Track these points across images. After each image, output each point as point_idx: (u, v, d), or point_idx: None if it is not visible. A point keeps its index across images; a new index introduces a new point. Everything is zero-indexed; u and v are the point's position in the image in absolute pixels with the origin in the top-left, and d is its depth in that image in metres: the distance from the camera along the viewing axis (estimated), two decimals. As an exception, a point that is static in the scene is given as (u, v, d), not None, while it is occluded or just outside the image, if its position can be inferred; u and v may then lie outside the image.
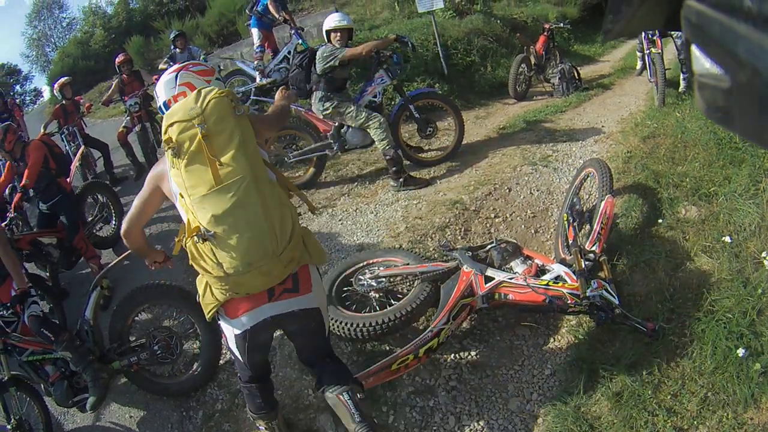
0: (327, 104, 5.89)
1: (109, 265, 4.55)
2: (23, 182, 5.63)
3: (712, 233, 3.88)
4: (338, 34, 5.75)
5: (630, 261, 3.95)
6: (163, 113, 2.51)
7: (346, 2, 15.04)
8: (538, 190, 5.36)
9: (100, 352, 4.12)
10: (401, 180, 5.81)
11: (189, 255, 2.35)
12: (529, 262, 3.77)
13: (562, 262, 3.89)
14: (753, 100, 0.47)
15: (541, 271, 3.68)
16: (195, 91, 2.38)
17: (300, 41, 8.84)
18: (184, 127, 2.27)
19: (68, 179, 6.30)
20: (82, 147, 8.12)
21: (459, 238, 4.83)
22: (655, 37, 7.41)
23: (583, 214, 4.21)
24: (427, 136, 6.42)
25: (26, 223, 6.43)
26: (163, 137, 2.34)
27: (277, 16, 8.93)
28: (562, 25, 11.16)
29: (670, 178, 4.65)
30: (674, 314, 3.47)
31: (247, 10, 10.36)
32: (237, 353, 2.65)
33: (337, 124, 6.06)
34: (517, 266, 3.73)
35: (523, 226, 4.92)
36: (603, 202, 3.92)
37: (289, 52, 9.09)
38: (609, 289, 3.34)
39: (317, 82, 5.88)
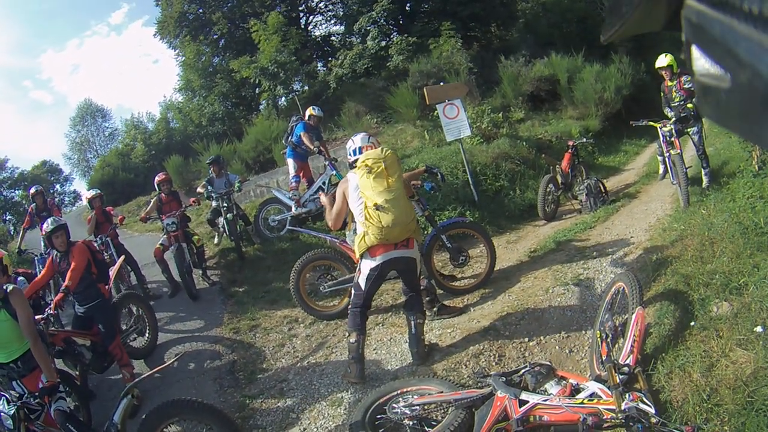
0: None
1: (143, 376, 4.94)
2: (66, 283, 5.96)
3: (746, 325, 3.99)
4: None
5: (665, 368, 4.06)
6: (355, 154, 5.32)
7: (377, 132, 15.95)
8: (571, 310, 5.57)
9: None
10: (435, 309, 6.08)
11: (365, 217, 4.74)
12: (564, 382, 3.93)
13: (597, 378, 4.03)
14: (754, 100, 0.48)
15: (575, 390, 3.83)
16: (380, 148, 5.07)
17: (334, 172, 9.49)
18: (375, 160, 4.80)
19: (107, 286, 6.62)
20: (123, 255, 8.56)
21: (493, 363, 5.02)
22: (672, 139, 7.87)
23: (616, 329, 4.39)
24: (459, 265, 6.77)
25: (58, 321, 6.56)
26: (360, 164, 4.88)
27: (311, 147, 9.46)
28: (585, 140, 11.80)
29: (700, 278, 4.82)
30: (712, 413, 3.53)
31: (283, 141, 11.09)
32: (364, 284, 5.02)
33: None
34: (552, 387, 3.88)
35: (557, 347, 5.09)
36: (634, 315, 4.11)
37: (324, 183, 9.66)
38: (645, 399, 3.45)
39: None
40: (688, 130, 8.26)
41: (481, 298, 6.50)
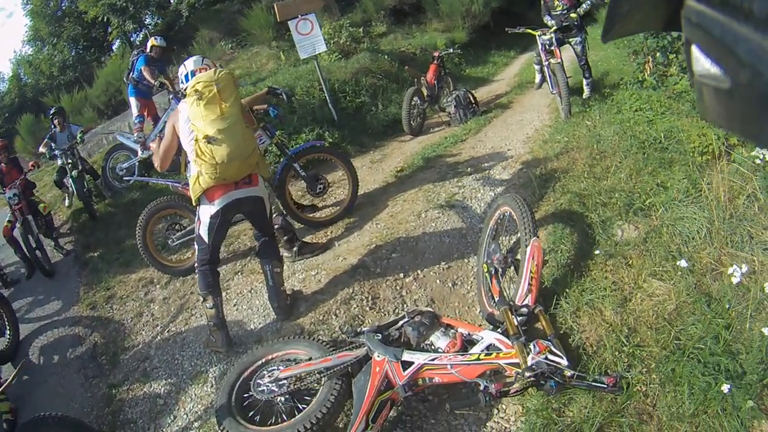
0: None
1: (5, 384, 4.24)
2: None
3: (658, 251, 3.47)
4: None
5: (570, 305, 3.42)
6: (187, 80, 4.33)
7: (232, 58, 15.54)
8: (449, 236, 4.83)
9: None
10: (295, 249, 5.23)
11: (196, 153, 3.87)
12: (452, 332, 3.23)
13: (491, 318, 3.44)
14: (753, 100, 0.48)
15: (468, 342, 3.14)
16: (213, 69, 4.18)
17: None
18: (206, 84, 3.91)
19: None
20: None
21: (367, 309, 4.21)
22: (553, 48, 7.32)
23: (506, 260, 3.66)
24: (318, 194, 5.87)
25: None
26: (189, 90, 3.97)
27: (152, 81, 8.52)
28: (451, 51, 11.05)
29: (597, 197, 4.25)
30: (635, 358, 2.96)
31: (124, 78, 9.87)
32: (206, 236, 4.18)
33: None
34: (439, 340, 3.18)
35: (438, 281, 4.34)
36: (529, 248, 3.35)
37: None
38: (553, 348, 2.78)
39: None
40: (570, 39, 7.83)
41: (346, 229, 5.59)
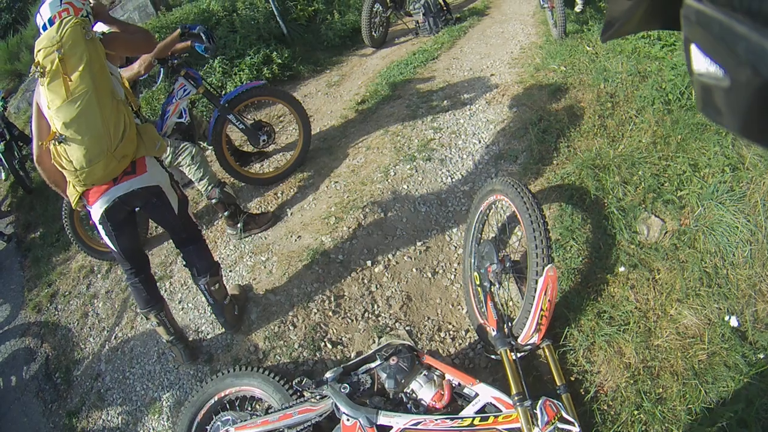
0: None
1: None
2: None
3: (691, 267, 2.81)
4: None
5: (584, 338, 2.76)
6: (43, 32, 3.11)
7: None
8: (424, 204, 4.03)
9: None
10: (240, 225, 4.40)
11: (52, 155, 2.97)
12: (437, 377, 2.57)
13: (481, 332, 2.94)
14: (753, 99, 0.48)
15: (458, 395, 2.51)
16: (57, 21, 2.98)
17: None
18: (47, 52, 2.89)
19: None
20: None
21: (330, 314, 3.47)
22: None
23: (503, 264, 2.86)
24: (263, 147, 4.96)
25: None
26: (34, 62, 2.97)
27: None
28: None
29: (615, 172, 3.45)
30: (655, 420, 2.38)
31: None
32: (110, 243, 3.31)
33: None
34: (421, 389, 2.53)
35: (414, 270, 3.61)
36: (541, 278, 2.50)
37: None
38: (563, 411, 2.20)
39: None
40: None
41: (299, 190, 4.71)
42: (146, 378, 3.81)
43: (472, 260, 3.14)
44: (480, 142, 4.42)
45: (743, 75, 0.47)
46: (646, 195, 3.22)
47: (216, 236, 4.64)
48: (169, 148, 4.31)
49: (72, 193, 3.15)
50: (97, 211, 3.14)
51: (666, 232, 3.02)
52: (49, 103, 2.87)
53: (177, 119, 4.53)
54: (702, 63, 0.54)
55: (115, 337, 4.33)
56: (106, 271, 5.05)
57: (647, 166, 3.37)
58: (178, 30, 4.29)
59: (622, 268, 2.94)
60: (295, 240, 4.09)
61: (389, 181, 4.25)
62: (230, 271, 4.16)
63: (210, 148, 4.71)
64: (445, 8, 7.73)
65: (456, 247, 3.65)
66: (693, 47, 0.55)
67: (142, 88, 6.69)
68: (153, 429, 3.50)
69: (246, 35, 7.27)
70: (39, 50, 2.91)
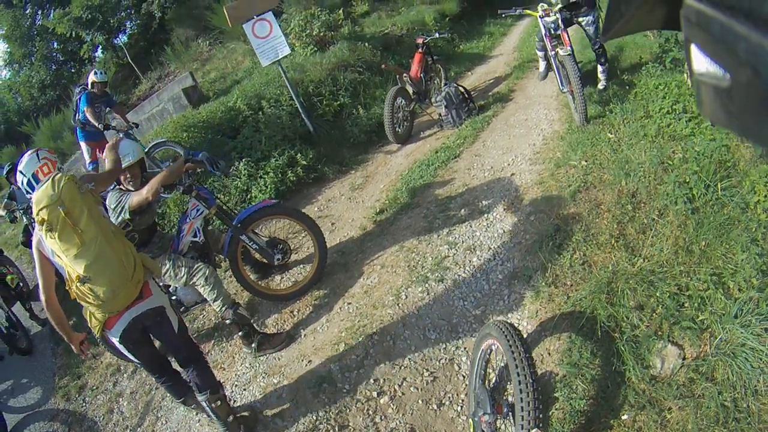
0: None
1: None
2: None
3: (708, 405, 2.57)
4: (127, 174, 4.36)
5: None
6: (32, 188, 3.52)
7: (208, 58, 14.90)
8: (434, 330, 3.88)
9: None
10: (254, 345, 4.43)
11: (76, 295, 3.38)
12: None
13: None
14: (753, 100, 0.47)
15: None
16: (50, 181, 3.36)
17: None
18: (51, 209, 3.27)
19: None
20: None
21: None
22: (559, 32, 5.98)
23: (497, 408, 2.69)
24: (280, 265, 5.05)
25: None
26: (37, 218, 3.30)
27: (97, 125, 7.71)
28: (438, 35, 9.49)
29: (630, 297, 3.26)
30: None
31: (71, 120, 8.82)
32: (132, 358, 3.75)
33: (161, 284, 4.52)
34: None
35: (420, 402, 3.45)
36: None
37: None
38: None
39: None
40: (581, 20, 6.43)
41: (314, 309, 4.68)
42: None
43: (471, 403, 2.95)
44: (495, 258, 4.27)
45: (743, 75, 0.48)
46: (663, 322, 2.99)
47: (234, 351, 4.70)
48: (183, 268, 4.47)
49: (95, 325, 3.52)
50: (116, 333, 3.53)
51: (682, 365, 2.77)
52: (65, 252, 3.27)
53: (192, 238, 4.63)
54: (702, 63, 0.54)
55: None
56: (132, 372, 5.22)
57: (666, 284, 3.15)
58: (182, 158, 4.50)
59: (625, 416, 2.71)
60: (306, 365, 4.08)
61: (400, 305, 4.15)
62: (244, 390, 4.22)
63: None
64: (467, 97, 7.73)
65: (464, 377, 3.46)
66: (693, 47, 0.56)
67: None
68: None
69: (271, 135, 7.43)
70: (41, 208, 3.24)
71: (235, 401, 4.16)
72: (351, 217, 5.90)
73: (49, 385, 5.82)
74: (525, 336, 3.36)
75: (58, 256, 3.35)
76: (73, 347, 3.75)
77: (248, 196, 6.61)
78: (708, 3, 0.50)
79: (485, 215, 4.87)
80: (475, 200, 5.19)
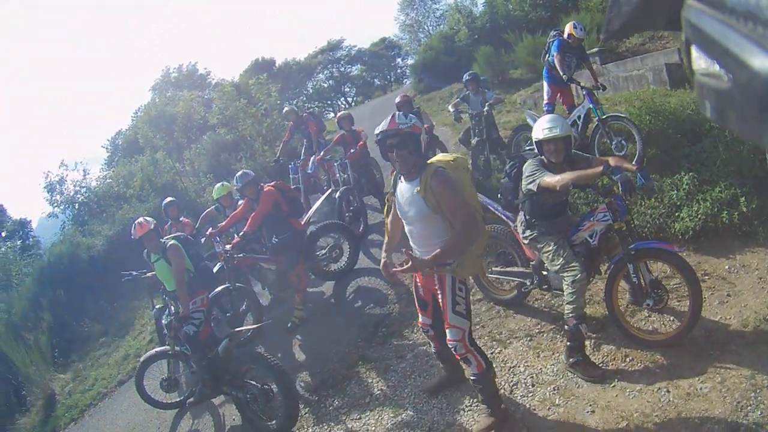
0: (527, 232, 5.17)
1: (243, 328, 6.75)
2: (245, 229, 7.19)
3: None
4: (550, 145, 4.77)
5: None
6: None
7: None
8: None
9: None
10: (572, 360, 4.77)
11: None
12: None
13: None
14: (752, 99, 0.48)
15: None
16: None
17: (591, 106, 7.81)
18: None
19: (301, 220, 7.84)
20: (329, 191, 9.45)
21: None
22: None
23: None
24: (653, 309, 4.84)
25: (246, 248, 8.02)
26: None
27: (561, 74, 8.10)
28: None
29: None
30: None
31: (541, 59, 9.48)
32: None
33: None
34: None
35: None
36: None
37: (578, 117, 8.12)
38: None
39: (523, 201, 5.15)
40: None
41: (644, 369, 4.61)
42: None
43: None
44: None
45: (743, 75, 0.49)
46: None
47: (556, 348, 5.18)
48: (561, 258, 4.77)
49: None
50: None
51: None
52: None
53: (588, 236, 4.91)
54: (702, 64, 0.56)
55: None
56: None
57: None
58: (602, 168, 4.42)
59: None
60: (587, 413, 4.28)
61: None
62: (542, 386, 4.77)
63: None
64: None
65: None
66: (693, 48, 0.57)
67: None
68: None
69: (728, 161, 6.41)
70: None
71: (511, 392, 4.76)
72: (749, 299, 4.99)
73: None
74: None
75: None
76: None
77: (676, 213, 6.17)
78: (708, 4, 0.52)
79: None
80: None
